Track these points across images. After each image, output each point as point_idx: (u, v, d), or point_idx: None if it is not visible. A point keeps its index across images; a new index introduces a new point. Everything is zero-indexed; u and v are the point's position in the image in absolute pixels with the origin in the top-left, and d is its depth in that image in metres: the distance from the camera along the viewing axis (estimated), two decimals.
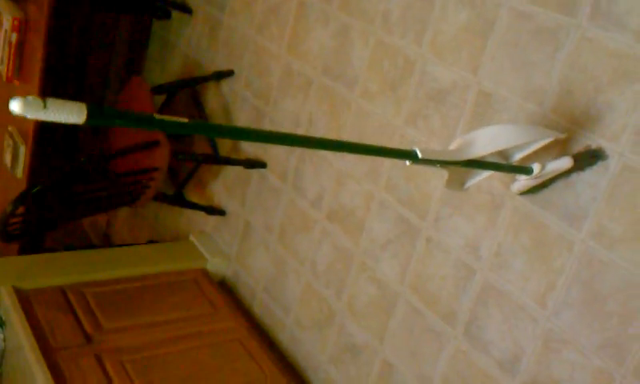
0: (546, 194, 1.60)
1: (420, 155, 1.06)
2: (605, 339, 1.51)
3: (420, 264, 1.93)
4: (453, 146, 1.19)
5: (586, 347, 1.54)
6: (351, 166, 2.13)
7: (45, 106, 0.67)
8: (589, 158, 1.50)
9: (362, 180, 2.10)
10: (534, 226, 1.63)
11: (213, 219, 2.64)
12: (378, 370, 2.07)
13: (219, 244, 2.65)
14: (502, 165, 1.33)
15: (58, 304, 1.93)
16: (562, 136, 1.41)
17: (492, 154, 1.26)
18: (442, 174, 1.28)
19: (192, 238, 2.57)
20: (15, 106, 0.66)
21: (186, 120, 0.74)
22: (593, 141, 1.51)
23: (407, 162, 1.07)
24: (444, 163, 1.15)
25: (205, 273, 2.45)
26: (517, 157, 1.37)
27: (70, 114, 0.68)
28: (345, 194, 2.16)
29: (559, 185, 1.57)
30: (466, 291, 1.80)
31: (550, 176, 1.48)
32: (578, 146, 1.53)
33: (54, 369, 1.69)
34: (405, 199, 1.96)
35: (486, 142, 1.16)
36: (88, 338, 1.87)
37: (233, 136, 0.85)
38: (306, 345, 2.31)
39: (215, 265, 2.52)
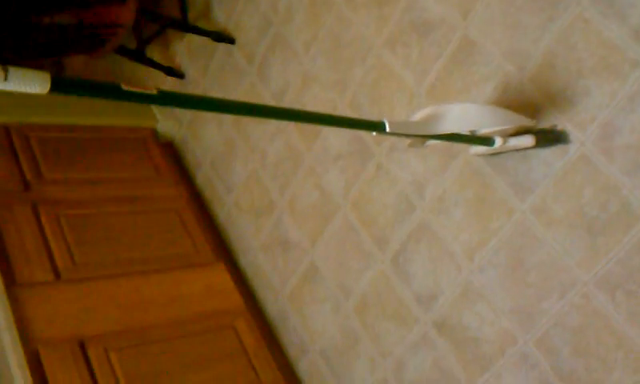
0: (501, 158, 1.62)
1: (388, 128, 1.04)
2: (518, 305, 1.60)
3: (365, 185, 1.95)
4: (419, 115, 1.17)
5: (499, 307, 1.64)
6: (320, 70, 2.07)
7: (6, 78, 0.61)
8: (551, 138, 1.51)
9: (329, 88, 2.05)
10: (481, 184, 1.66)
11: (171, 81, 2.54)
12: (304, 268, 2.15)
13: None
14: (465, 136, 1.32)
15: (1, 144, 1.87)
16: (532, 123, 1.40)
17: None
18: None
19: None
20: None
21: (154, 91, 0.69)
22: (560, 122, 1.51)
23: (373, 133, 1.05)
24: (411, 136, 1.14)
25: (154, 134, 2.40)
26: (481, 131, 1.36)
27: (32, 83, 0.62)
28: (308, 96, 2.11)
29: (516, 154, 1.59)
30: (403, 224, 1.85)
31: (509, 149, 1.49)
32: (545, 122, 1.54)
33: None
34: None
35: (455, 120, 1.14)
36: (26, 185, 1.84)
37: (206, 107, 0.81)
38: (241, 227, 2.36)
39: (165, 127, 2.47)
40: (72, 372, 1.61)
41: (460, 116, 1.16)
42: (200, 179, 2.50)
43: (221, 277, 2.14)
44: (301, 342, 2.16)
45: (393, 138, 1.86)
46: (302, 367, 2.16)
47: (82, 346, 1.67)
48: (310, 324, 2.13)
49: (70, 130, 2.13)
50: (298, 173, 2.15)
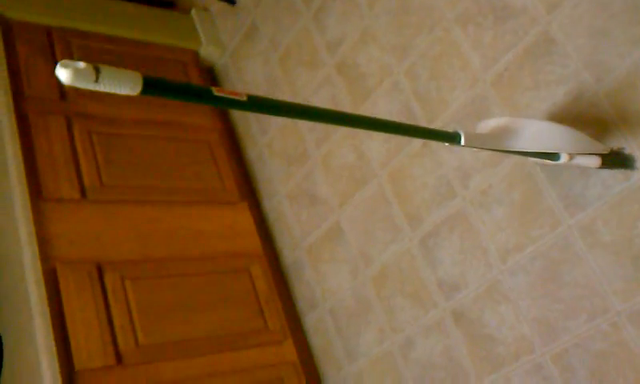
0: (558, 168, 1.56)
1: (463, 142, 0.98)
2: (543, 316, 1.58)
3: (408, 160, 1.89)
4: (492, 125, 1.10)
5: (523, 313, 1.62)
6: (382, 30, 1.97)
7: (97, 79, 0.55)
8: (617, 160, 1.45)
9: (387, 50, 1.95)
10: (531, 188, 1.61)
11: (220, 4, 2.43)
12: (327, 226, 2.12)
13: (219, 31, 2.48)
14: (534, 152, 1.25)
15: (42, 46, 1.79)
16: (606, 151, 1.34)
17: None
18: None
19: (194, 13, 2.38)
20: (64, 75, 0.53)
21: (245, 98, 0.63)
22: (629, 145, 1.44)
23: (446, 144, 0.99)
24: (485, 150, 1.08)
25: (195, 57, 2.32)
26: None
27: (124, 84, 0.56)
28: (363, 54, 2.02)
29: (574, 168, 1.52)
30: (440, 208, 1.81)
31: (573, 166, 1.42)
32: (612, 142, 1.47)
33: (21, 119, 1.62)
34: (421, 94, 1.86)
35: (531, 138, 1.08)
36: (63, 95, 1.78)
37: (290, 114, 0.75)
38: (270, 171, 2.32)
39: (209, 52, 2.38)
40: (86, 294, 1.60)
41: (537, 135, 1.10)
42: (235, 113, 2.43)
43: (243, 217, 2.11)
44: (312, 297, 2.16)
45: (447, 118, 1.79)
46: (309, 321, 2.17)
47: (100, 270, 1.66)
48: (324, 281, 2.12)
49: (111, 41, 2.05)
50: (339, 130, 2.08)
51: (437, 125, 1.82)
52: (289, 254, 2.24)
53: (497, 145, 1.05)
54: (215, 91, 0.61)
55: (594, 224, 1.50)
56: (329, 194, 2.11)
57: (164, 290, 1.78)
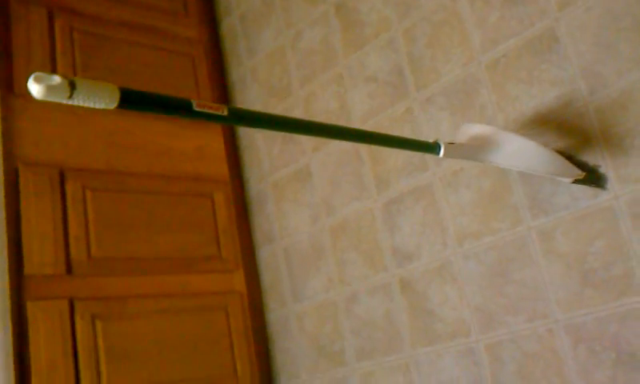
0: None
1: (442, 153, 0.96)
2: (485, 306, 1.62)
3: (388, 122, 1.86)
4: (474, 131, 1.08)
5: (467, 298, 1.66)
6: None
7: (71, 95, 0.50)
8: (590, 177, 1.45)
9: (391, 4, 1.87)
10: (501, 181, 1.60)
11: None
12: (297, 167, 2.11)
13: None
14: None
15: None
16: (581, 177, 1.33)
17: None
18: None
19: None
20: (35, 90, 0.49)
21: (225, 112, 0.59)
22: (605, 165, 1.44)
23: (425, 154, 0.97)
24: (464, 158, 1.06)
25: None
26: None
27: (100, 98, 0.52)
28: (364, 2, 1.93)
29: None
30: (409, 177, 1.80)
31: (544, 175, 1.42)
32: (589, 157, 1.46)
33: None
34: (415, 58, 1.80)
35: (512, 155, 1.07)
36: None
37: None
38: (250, 97, 2.26)
39: None
40: (45, 199, 1.58)
41: (518, 153, 1.08)
42: (225, 28, 2.34)
43: (215, 141, 2.08)
44: (269, 232, 2.17)
45: (434, 89, 1.76)
46: (263, 255, 2.19)
47: (62, 176, 1.62)
48: (284, 219, 2.13)
49: None
50: (326, 73, 2.03)
51: (424, 94, 1.78)
52: (254, 185, 2.23)
53: (476, 157, 1.04)
54: (195, 106, 0.58)
55: (553, 231, 1.51)
56: (304, 135, 2.08)
57: (124, 205, 1.76)
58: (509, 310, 1.58)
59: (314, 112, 2.05)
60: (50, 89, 0.53)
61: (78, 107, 1.75)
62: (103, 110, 1.77)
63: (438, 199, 1.73)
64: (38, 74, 0.54)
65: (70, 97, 0.54)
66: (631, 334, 1.39)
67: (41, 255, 1.53)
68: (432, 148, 0.95)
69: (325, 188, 2.01)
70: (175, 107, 0.58)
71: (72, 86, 0.55)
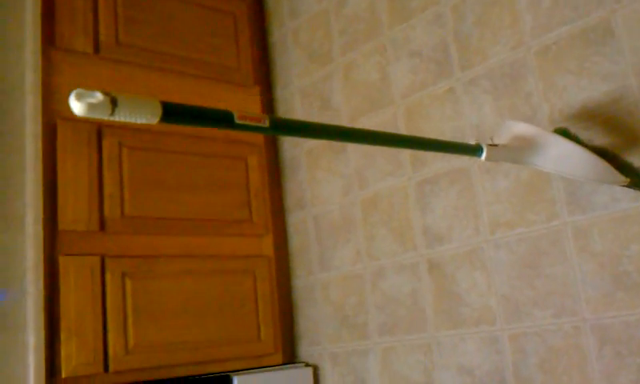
0: None
1: (484, 156, 0.93)
2: (513, 296, 1.61)
3: (429, 100, 1.82)
4: (518, 131, 1.05)
5: (495, 287, 1.64)
6: None
7: (113, 111, 0.49)
8: (634, 179, 1.40)
9: None
10: (541, 173, 1.56)
11: None
12: None
13: None
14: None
15: None
16: (625, 183, 1.28)
17: None
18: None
19: None
20: (77, 108, 0.47)
21: (267, 123, 0.58)
22: None
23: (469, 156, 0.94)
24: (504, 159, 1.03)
25: None
26: None
27: (142, 113, 0.51)
28: None
29: None
30: (446, 159, 1.77)
31: None
32: (635, 159, 1.41)
33: None
34: (462, 36, 1.75)
35: (555, 159, 1.03)
36: None
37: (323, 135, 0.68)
38: (290, 59, 2.23)
39: None
40: (83, 156, 1.59)
41: (562, 157, 1.05)
42: None
43: (252, 104, 2.06)
44: (301, 198, 2.17)
45: (479, 70, 1.70)
46: (293, 220, 2.20)
47: (99, 133, 1.64)
48: (316, 187, 2.12)
49: None
50: (369, 43, 1.98)
51: (468, 75, 1.73)
52: (288, 151, 2.22)
53: (518, 160, 1.01)
54: (237, 118, 0.57)
55: (589, 230, 1.48)
56: (342, 104, 2.05)
57: (158, 165, 1.77)
58: (536, 303, 1.56)
59: (354, 82, 2.01)
60: (91, 107, 0.53)
61: (120, 62, 1.75)
62: (144, 67, 1.77)
63: (474, 184, 1.70)
64: (79, 90, 0.53)
65: (112, 114, 0.53)
66: None
67: (75, 211, 1.56)
68: (474, 150, 0.92)
69: (359, 160, 2.00)
70: (217, 120, 0.57)
71: (114, 103, 0.54)
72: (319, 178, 2.11)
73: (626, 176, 1.32)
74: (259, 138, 2.06)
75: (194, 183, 1.83)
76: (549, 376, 1.53)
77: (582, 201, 1.49)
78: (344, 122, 2.04)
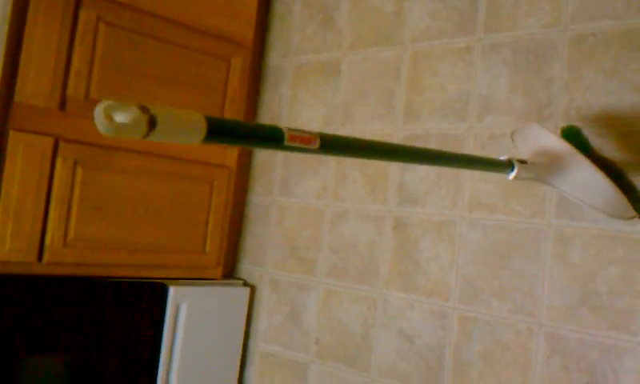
0: None
1: (512, 175, 0.83)
2: (473, 280, 1.56)
3: (442, 52, 1.68)
4: (545, 142, 0.94)
5: (458, 265, 1.59)
6: None
7: (148, 132, 0.34)
8: (636, 204, 1.33)
9: None
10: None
11: None
12: (326, 58, 1.92)
13: None
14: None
15: None
16: (633, 218, 1.21)
17: None
18: None
19: None
20: (103, 127, 0.32)
21: (317, 144, 0.45)
22: None
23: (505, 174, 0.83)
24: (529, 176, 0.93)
25: None
26: None
27: (184, 132, 0.36)
28: None
29: None
30: (442, 120, 1.66)
31: None
32: None
33: None
34: (496, 1, 1.59)
35: (578, 186, 0.94)
36: None
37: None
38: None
39: None
40: (54, 22, 1.40)
41: (585, 185, 0.96)
42: None
43: (244, 4, 1.85)
44: (278, 114, 2.02)
45: (505, 38, 1.56)
46: None
47: (78, 0, 1.41)
48: (295, 108, 1.97)
49: None
50: None
51: (491, 38, 1.59)
52: (275, 59, 2.04)
53: (543, 179, 0.91)
54: (287, 140, 0.44)
55: (572, 239, 1.42)
56: (346, 26, 1.87)
57: (135, 49, 1.56)
58: (496, 293, 1.52)
59: (365, 6, 1.83)
60: (121, 128, 0.37)
61: None
62: None
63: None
64: (108, 103, 0.37)
65: (147, 135, 0.39)
66: (609, 368, 1.35)
67: (35, 84, 1.35)
68: (503, 166, 0.82)
69: (349, 93, 1.85)
70: (266, 140, 0.44)
71: (152, 124, 0.39)
72: (301, 98, 1.96)
73: (634, 206, 1.25)
74: (248, 38, 1.87)
75: (169, 76, 1.64)
76: (488, 367, 1.51)
77: (572, 207, 1.42)
78: (343, 47, 1.87)
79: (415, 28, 1.73)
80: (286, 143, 0.45)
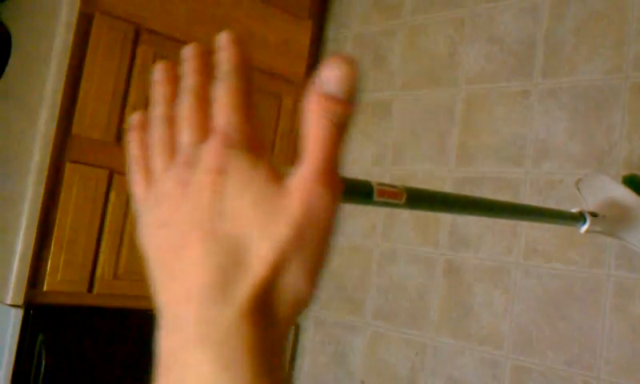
0: None
1: (584, 229, 0.80)
2: (528, 329, 1.52)
3: (497, 96, 1.66)
4: (615, 195, 0.92)
5: (513, 313, 1.55)
6: None
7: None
8: None
9: None
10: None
11: None
12: (377, 98, 1.92)
13: None
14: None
15: None
16: None
17: None
18: None
19: None
20: None
21: (403, 199, 0.45)
22: None
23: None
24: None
25: None
26: None
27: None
28: None
29: None
30: (497, 164, 1.63)
31: None
32: None
33: None
34: (554, 46, 1.57)
35: None
36: None
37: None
38: (354, 3, 2.02)
39: None
40: (114, 57, 1.45)
41: None
42: None
43: (300, 37, 1.88)
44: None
45: (563, 83, 1.54)
46: None
47: (136, 36, 1.48)
48: (345, 149, 1.97)
49: None
50: (447, 11, 1.80)
51: (549, 84, 1.56)
52: None
53: (614, 232, 0.88)
54: (376, 195, 0.43)
55: (632, 291, 1.37)
56: (398, 68, 1.87)
57: None
58: (552, 344, 1.47)
59: (418, 48, 1.83)
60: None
61: None
62: None
63: (521, 201, 1.57)
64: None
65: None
66: None
67: (93, 116, 1.38)
68: (575, 219, 0.80)
69: (400, 133, 1.84)
70: (356, 194, 0.43)
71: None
72: (351, 137, 1.95)
73: None
74: (299, 73, 1.87)
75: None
76: None
77: (634, 258, 1.37)
78: (395, 88, 1.87)
79: (470, 70, 1.71)
80: (375, 199, 0.44)
